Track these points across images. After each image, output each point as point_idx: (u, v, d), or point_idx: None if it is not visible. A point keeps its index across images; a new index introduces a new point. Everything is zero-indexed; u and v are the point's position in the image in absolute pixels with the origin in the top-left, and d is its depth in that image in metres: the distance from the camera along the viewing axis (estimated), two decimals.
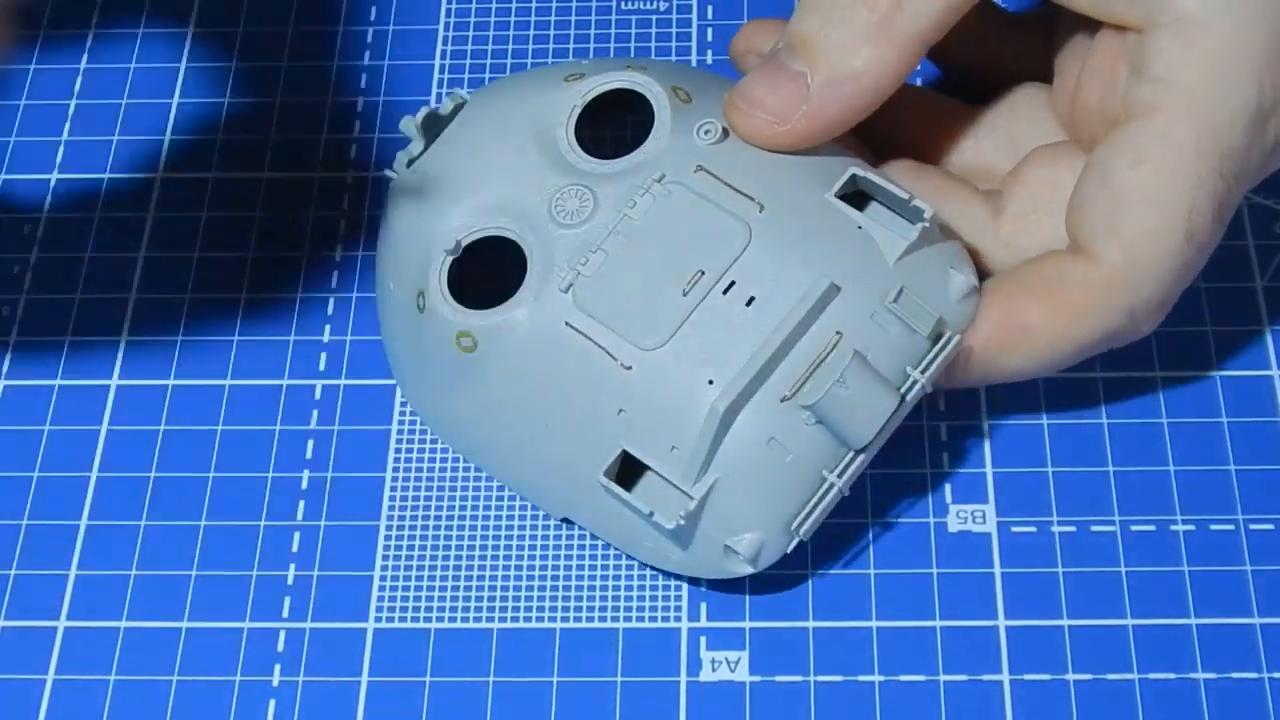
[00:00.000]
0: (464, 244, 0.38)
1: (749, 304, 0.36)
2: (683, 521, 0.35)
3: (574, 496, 0.37)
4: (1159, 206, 0.36)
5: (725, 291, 0.36)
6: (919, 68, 0.41)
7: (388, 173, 0.40)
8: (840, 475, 0.36)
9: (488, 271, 0.38)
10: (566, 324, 0.36)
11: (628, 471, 0.36)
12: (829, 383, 0.35)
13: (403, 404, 0.41)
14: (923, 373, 0.36)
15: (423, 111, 0.39)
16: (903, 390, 0.36)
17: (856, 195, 0.38)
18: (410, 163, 0.40)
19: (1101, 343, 0.38)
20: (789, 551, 0.36)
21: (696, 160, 0.37)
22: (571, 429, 0.36)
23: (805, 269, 0.36)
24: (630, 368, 0.36)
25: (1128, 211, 0.36)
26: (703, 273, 0.36)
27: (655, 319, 0.36)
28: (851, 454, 0.36)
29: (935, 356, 0.36)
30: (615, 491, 0.35)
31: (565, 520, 0.39)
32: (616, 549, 0.39)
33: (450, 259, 0.38)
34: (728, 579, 0.37)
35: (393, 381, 0.42)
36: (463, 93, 0.40)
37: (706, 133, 0.38)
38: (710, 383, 0.35)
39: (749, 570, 0.36)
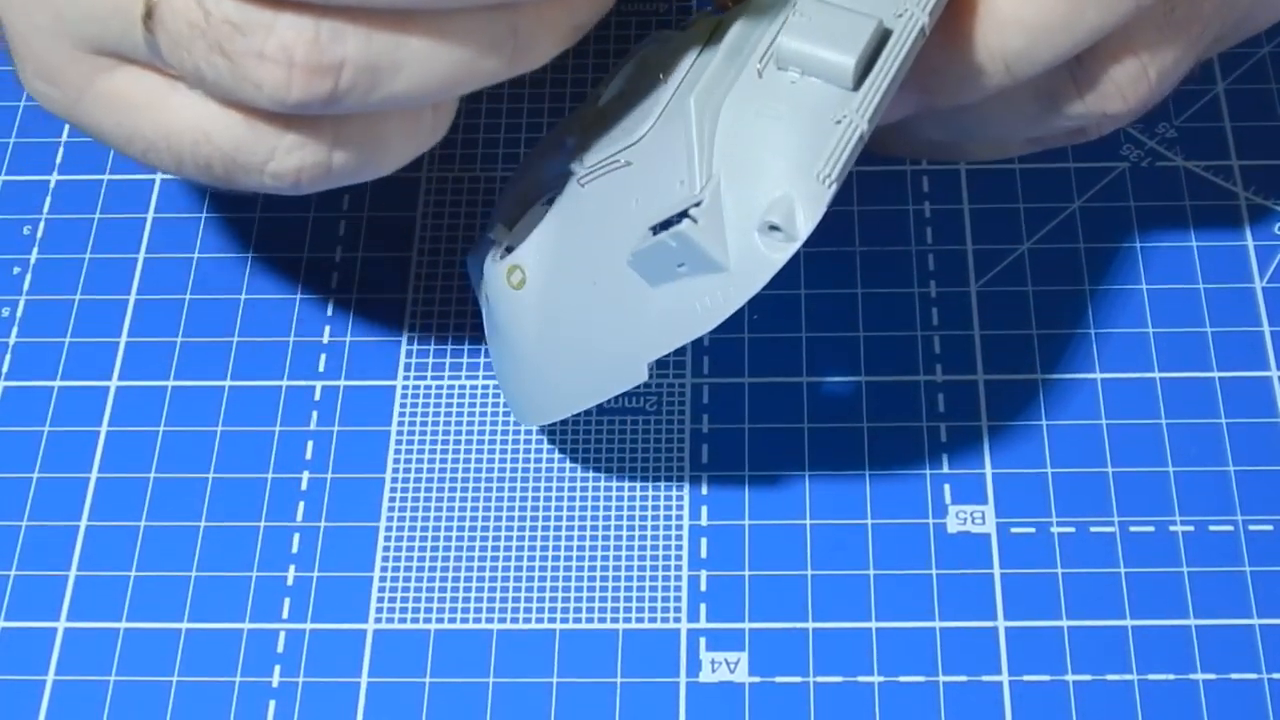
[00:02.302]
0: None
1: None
2: (698, 221, 0.32)
3: (636, 322, 0.35)
4: None
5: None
6: None
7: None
8: (851, 111, 0.32)
9: None
10: (579, 183, 0.36)
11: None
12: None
13: (403, 405, 0.41)
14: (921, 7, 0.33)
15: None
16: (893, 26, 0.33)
17: None
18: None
19: None
20: (829, 207, 0.32)
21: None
22: (606, 255, 0.35)
23: None
24: (631, 163, 0.35)
25: None
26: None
27: (645, 115, 0.35)
28: (856, 93, 0.33)
29: None
30: (648, 248, 0.33)
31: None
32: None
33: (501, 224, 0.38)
34: (782, 269, 0.33)
35: (392, 383, 0.42)
36: None
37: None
38: None
39: (793, 245, 0.32)
